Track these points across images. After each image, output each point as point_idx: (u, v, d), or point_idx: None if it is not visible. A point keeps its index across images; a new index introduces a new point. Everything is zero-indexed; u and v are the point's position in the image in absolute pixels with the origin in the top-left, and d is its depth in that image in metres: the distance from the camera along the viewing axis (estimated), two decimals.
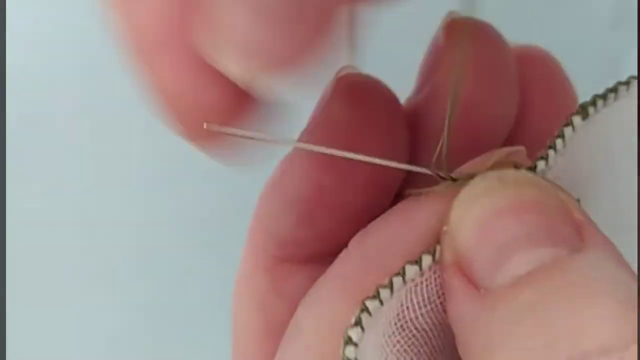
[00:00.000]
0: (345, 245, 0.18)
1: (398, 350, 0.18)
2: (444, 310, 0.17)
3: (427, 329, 0.18)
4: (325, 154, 0.17)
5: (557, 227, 0.15)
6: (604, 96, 0.19)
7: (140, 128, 0.43)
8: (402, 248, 0.17)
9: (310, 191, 0.18)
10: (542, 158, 0.18)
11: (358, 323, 0.16)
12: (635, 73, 0.20)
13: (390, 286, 0.17)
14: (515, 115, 0.20)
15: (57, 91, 0.44)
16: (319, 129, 0.19)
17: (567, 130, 0.18)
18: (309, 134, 0.19)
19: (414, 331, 0.18)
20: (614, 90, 0.19)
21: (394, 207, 0.18)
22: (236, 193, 0.44)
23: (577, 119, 0.18)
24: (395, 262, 0.17)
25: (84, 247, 0.44)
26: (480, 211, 0.16)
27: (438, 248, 0.17)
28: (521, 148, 0.18)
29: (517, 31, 0.41)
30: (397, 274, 0.17)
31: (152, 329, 0.44)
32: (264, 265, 0.20)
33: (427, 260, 0.17)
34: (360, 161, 0.17)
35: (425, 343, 0.18)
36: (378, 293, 0.17)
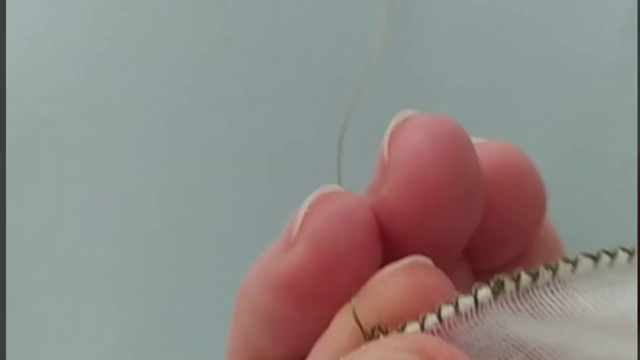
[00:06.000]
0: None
1: None
2: None
3: None
4: None
5: None
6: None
7: (147, 133, 0.43)
8: None
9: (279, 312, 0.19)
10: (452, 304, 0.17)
11: None
12: None
13: None
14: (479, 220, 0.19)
15: (63, 94, 0.44)
16: None
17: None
18: None
19: None
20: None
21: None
22: (244, 202, 0.45)
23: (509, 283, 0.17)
24: None
25: (88, 252, 0.44)
26: None
27: None
28: (426, 260, 0.18)
29: (531, 42, 0.41)
30: None
31: (156, 336, 0.44)
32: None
33: None
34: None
35: None
36: None
